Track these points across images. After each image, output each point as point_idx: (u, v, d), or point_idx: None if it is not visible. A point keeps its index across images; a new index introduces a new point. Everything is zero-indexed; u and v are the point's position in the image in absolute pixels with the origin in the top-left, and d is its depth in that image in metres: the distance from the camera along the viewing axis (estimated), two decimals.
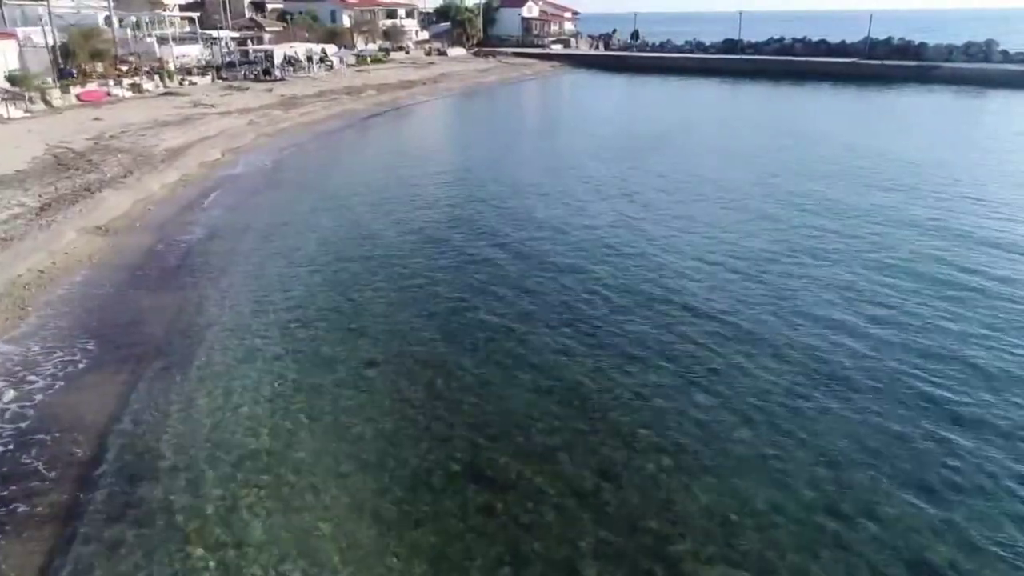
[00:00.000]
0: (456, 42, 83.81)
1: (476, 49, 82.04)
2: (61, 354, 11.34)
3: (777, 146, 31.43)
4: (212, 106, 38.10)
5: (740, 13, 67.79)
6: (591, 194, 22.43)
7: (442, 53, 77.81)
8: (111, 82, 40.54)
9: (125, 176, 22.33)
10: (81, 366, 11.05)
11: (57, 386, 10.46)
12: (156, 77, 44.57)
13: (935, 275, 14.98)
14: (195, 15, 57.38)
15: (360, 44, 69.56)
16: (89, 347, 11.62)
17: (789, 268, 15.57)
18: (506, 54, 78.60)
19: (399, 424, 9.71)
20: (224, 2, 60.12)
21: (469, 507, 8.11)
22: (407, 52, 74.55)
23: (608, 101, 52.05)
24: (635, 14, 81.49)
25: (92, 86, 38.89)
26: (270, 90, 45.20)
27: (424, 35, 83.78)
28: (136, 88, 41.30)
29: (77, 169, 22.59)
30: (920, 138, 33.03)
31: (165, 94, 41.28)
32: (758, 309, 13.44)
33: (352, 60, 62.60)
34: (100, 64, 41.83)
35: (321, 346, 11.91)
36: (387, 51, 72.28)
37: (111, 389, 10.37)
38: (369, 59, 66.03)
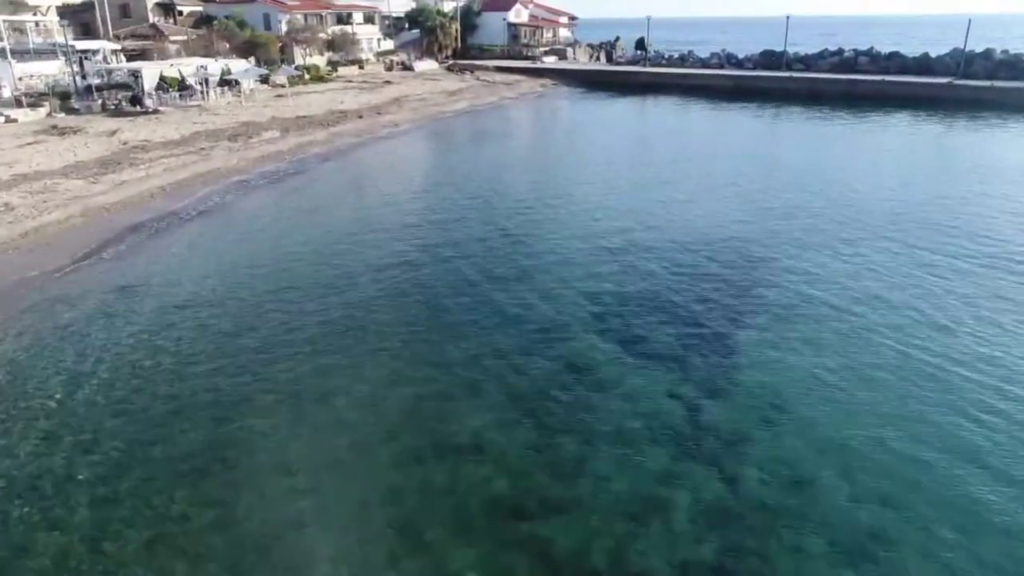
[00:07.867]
0: (427, 53, 69.01)
1: (451, 62, 67.16)
2: None
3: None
4: None
5: (788, 17, 51.85)
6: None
7: (407, 68, 62.98)
8: None
9: None
10: None
11: None
12: None
13: None
14: (50, 20, 42.46)
15: (298, 57, 54.66)
16: None
17: None
18: (487, 68, 63.64)
19: None
20: (104, 3, 45.29)
21: None
22: (361, 67, 59.70)
23: (619, 147, 34.55)
24: (648, 18, 65.97)
25: None
26: (113, 132, 30.28)
27: (388, 44, 68.79)
28: None
29: None
30: None
31: None
32: None
33: (281, 79, 47.71)
34: None
35: None
36: (335, 66, 57.42)
37: None
38: (308, 77, 51.20)
